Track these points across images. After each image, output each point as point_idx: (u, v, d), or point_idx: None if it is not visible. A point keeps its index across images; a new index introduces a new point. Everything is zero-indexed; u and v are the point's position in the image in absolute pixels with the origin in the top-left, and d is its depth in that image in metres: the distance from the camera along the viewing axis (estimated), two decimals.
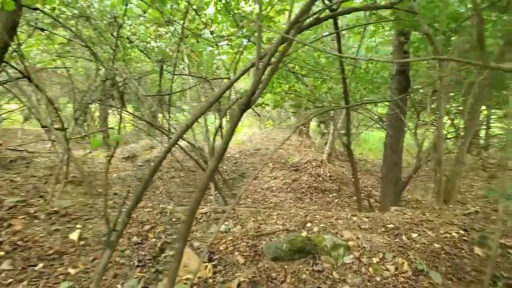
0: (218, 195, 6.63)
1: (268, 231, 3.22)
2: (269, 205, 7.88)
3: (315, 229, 3.25)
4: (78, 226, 3.20)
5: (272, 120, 14.14)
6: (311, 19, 1.78)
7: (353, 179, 6.17)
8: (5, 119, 8.91)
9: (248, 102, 1.57)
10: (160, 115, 9.10)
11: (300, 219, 3.53)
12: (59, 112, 6.30)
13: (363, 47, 5.71)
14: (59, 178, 6.68)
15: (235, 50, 7.32)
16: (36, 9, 3.99)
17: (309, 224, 3.33)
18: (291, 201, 8.19)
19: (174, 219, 3.44)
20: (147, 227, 3.26)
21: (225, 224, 3.30)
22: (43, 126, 6.32)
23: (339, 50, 4.31)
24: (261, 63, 1.59)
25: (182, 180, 9.02)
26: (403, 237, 3.23)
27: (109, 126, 12.07)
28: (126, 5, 4.86)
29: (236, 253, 2.88)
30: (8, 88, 6.78)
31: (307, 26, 1.73)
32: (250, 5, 6.23)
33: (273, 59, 1.65)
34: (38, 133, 11.80)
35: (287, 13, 6.54)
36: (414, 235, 3.27)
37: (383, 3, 3.55)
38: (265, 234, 3.16)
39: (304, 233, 3.12)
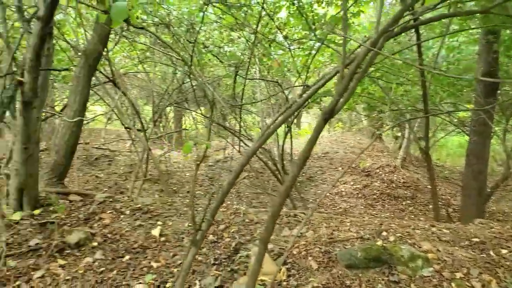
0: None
1: (341, 238, 3.17)
2: (338, 210, 7.74)
3: (391, 238, 3.13)
4: (159, 222, 3.40)
5: (343, 122, 13.86)
6: (398, 27, 1.72)
7: (430, 187, 5.84)
8: (93, 120, 9.68)
9: (331, 111, 1.56)
10: (230, 117, 9.37)
11: (374, 227, 3.42)
12: (139, 114, 6.75)
13: (444, 47, 5.38)
14: (139, 176, 7.15)
15: (306, 52, 7.32)
16: (127, 22, 4.28)
17: (384, 233, 3.22)
18: (362, 207, 7.97)
19: (247, 220, 3.51)
20: (222, 226, 3.37)
21: (297, 228, 3.31)
22: (125, 127, 6.82)
23: (419, 53, 4.11)
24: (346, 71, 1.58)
25: (251, 181, 9.18)
26: (491, 253, 3.00)
27: (183, 127, 12.63)
28: (204, 12, 5.07)
29: (310, 258, 2.87)
30: (95, 91, 7.42)
31: (394, 35, 1.68)
32: (323, 7, 6.18)
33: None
34: (119, 133, 12.71)
35: (362, 15, 6.38)
36: (504, 251, 3.02)
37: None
38: (338, 241, 3.11)
39: (379, 242, 3.02)
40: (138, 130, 6.59)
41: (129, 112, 8.10)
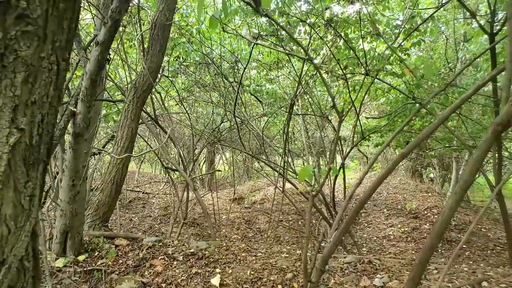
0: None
1: None
2: (388, 256, 7.12)
3: None
4: (217, 270, 3.00)
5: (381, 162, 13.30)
6: None
7: (505, 231, 5.22)
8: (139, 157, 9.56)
9: (508, 122, 1.21)
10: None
11: (466, 275, 2.92)
12: (181, 154, 6.52)
13: None
14: (177, 219, 6.81)
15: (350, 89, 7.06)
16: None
17: (485, 283, 2.71)
18: (413, 252, 7.32)
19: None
20: (289, 275, 2.94)
21: (378, 277, 2.84)
22: (165, 167, 6.57)
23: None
24: None
25: (290, 224, 8.69)
26: None
27: (216, 169, 12.38)
28: (253, 46, 4.90)
29: None
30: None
31: None
32: (368, 43, 5.97)
33: None
34: (151, 176, 12.57)
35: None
36: None
37: None
38: None
39: None
40: (174, 170, 6.33)
41: (171, 153, 7.91)
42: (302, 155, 8.17)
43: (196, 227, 8.38)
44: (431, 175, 11.98)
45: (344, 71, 4.47)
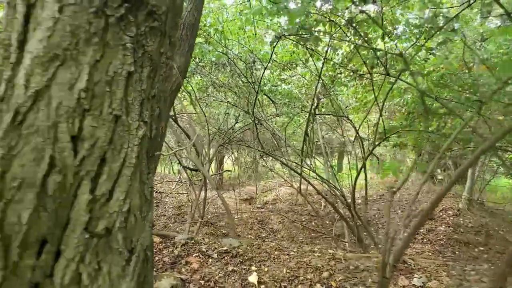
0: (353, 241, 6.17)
1: None
2: (404, 257, 7.12)
3: None
4: (253, 268, 3.02)
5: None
6: None
7: (501, 232, 5.22)
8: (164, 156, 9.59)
9: None
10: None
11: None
12: (199, 153, 6.55)
13: None
14: (195, 218, 6.83)
15: (367, 89, 7.07)
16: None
17: None
18: (430, 253, 7.32)
19: (352, 267, 3.08)
20: (325, 274, 2.95)
21: (417, 277, 2.85)
22: (183, 166, 6.60)
23: None
24: None
25: (303, 224, 8.69)
26: None
27: (226, 169, 12.41)
28: (274, 46, 4.92)
29: None
30: None
31: None
32: (387, 42, 5.97)
33: None
34: (162, 175, 12.60)
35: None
36: None
37: None
38: None
39: None
40: (196, 170, 6.36)
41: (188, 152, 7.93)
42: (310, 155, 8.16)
43: (210, 226, 8.40)
44: (440, 177, 11.94)
45: (370, 71, 4.46)
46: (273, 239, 8.32)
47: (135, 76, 0.84)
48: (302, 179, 6.15)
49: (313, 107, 5.05)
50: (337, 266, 3.10)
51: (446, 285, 2.74)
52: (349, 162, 8.95)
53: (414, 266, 3.11)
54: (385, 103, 8.63)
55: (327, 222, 8.64)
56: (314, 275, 2.92)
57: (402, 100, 7.93)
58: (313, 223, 8.72)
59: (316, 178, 5.38)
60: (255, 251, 3.35)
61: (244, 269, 3.02)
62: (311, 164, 6.46)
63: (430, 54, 4.84)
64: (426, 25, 4.84)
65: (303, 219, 8.93)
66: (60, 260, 0.78)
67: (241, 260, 3.14)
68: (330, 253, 3.39)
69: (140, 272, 0.89)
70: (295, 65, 7.81)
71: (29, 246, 0.75)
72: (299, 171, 5.67)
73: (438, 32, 4.99)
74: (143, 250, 0.89)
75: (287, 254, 3.33)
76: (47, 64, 0.76)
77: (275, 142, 7.26)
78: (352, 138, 9.03)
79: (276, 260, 3.21)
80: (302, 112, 6.89)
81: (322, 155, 9.33)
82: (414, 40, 5.15)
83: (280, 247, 3.50)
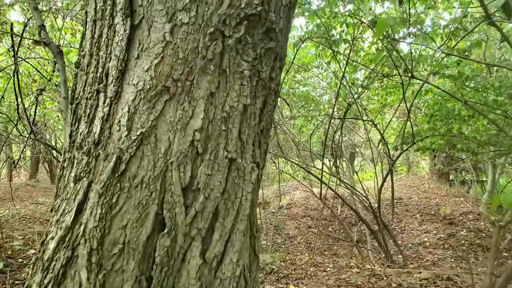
0: (374, 246, 6.00)
1: None
2: (426, 263, 6.95)
3: None
4: (291, 287, 2.86)
5: (405, 166, 13.12)
6: None
7: None
8: None
9: None
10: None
11: None
12: None
13: None
14: None
15: (386, 91, 6.92)
16: None
17: None
18: (452, 260, 7.13)
19: (394, 285, 2.92)
20: None
21: None
22: None
23: None
24: None
25: (320, 230, 8.52)
26: None
27: None
28: (297, 48, 4.78)
29: None
30: None
31: None
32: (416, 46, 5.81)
33: None
34: None
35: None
36: None
37: None
38: None
39: None
40: None
41: None
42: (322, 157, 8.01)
43: None
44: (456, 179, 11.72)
45: (401, 75, 4.30)
46: (289, 246, 8.18)
47: (249, 109, 0.69)
48: (322, 184, 6.00)
49: (337, 112, 4.87)
50: (378, 284, 2.94)
51: None
52: (390, 170, 8.78)
53: (461, 283, 2.94)
54: (400, 104, 8.46)
55: (345, 227, 8.46)
56: None
57: (420, 102, 7.75)
58: (330, 229, 8.54)
59: (340, 184, 5.22)
60: (290, 267, 3.19)
61: (281, 287, 2.86)
62: (337, 168, 6.28)
63: (465, 54, 4.66)
64: (451, 26, 4.68)
65: (320, 224, 8.76)
66: None
67: (277, 278, 2.99)
68: (369, 268, 3.23)
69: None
70: (311, 67, 7.66)
71: None
72: (319, 176, 5.52)
73: (467, 34, 4.82)
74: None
75: (324, 271, 3.17)
76: (155, 99, 0.61)
77: (295, 147, 7.09)
78: (375, 141, 8.84)
79: (313, 277, 3.05)
80: (324, 116, 6.71)
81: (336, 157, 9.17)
82: (440, 41, 4.98)
83: (315, 262, 3.34)
